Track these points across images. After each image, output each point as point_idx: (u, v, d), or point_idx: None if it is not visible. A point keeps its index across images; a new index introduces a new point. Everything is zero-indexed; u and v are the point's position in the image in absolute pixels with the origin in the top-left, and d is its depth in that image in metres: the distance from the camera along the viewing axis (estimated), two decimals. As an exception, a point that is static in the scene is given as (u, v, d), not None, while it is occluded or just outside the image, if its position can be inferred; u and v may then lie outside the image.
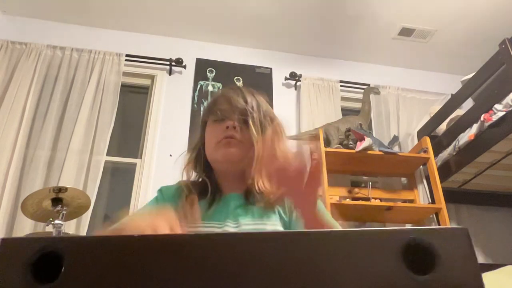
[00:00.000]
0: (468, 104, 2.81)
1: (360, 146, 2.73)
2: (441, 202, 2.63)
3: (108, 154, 2.83)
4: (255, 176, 0.88)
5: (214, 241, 0.36)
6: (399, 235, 0.35)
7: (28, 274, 0.32)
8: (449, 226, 0.36)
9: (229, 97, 0.94)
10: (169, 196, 0.93)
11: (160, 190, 0.96)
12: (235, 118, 0.91)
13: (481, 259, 2.87)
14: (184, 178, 0.97)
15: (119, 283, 0.33)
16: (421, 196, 2.94)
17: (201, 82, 3.26)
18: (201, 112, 3.13)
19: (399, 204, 2.75)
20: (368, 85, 3.40)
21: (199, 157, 0.98)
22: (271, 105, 1.02)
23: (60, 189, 2.03)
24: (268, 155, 0.90)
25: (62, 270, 0.33)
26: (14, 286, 0.32)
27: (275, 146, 0.93)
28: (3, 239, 0.34)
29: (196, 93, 3.20)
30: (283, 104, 3.26)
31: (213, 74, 3.30)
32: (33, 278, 0.32)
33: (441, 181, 2.71)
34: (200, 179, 0.97)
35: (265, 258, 0.34)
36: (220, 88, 3.23)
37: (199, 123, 1.01)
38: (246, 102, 0.93)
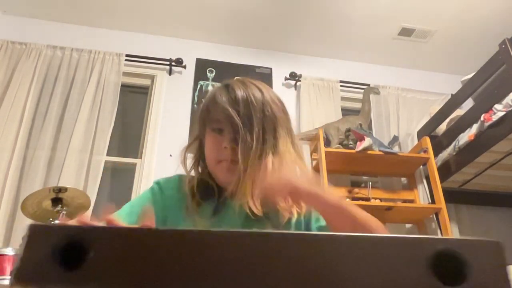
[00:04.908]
0: (468, 104, 2.81)
1: (360, 146, 2.73)
2: (441, 202, 2.63)
3: (108, 154, 2.83)
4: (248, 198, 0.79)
5: (242, 239, 0.35)
6: (429, 244, 0.34)
7: (54, 261, 0.33)
8: (482, 238, 0.34)
9: (223, 106, 0.83)
10: (169, 189, 0.87)
11: (158, 183, 0.89)
12: (231, 137, 0.82)
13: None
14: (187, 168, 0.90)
15: (143, 275, 0.33)
16: (421, 196, 2.94)
17: (201, 82, 3.25)
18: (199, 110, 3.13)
19: (399, 204, 2.75)
20: (368, 85, 3.40)
21: (200, 156, 0.91)
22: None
23: (60, 189, 2.03)
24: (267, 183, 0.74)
25: (87, 259, 0.33)
26: (40, 271, 0.33)
27: (274, 172, 0.77)
28: (31, 225, 0.35)
29: (196, 93, 3.20)
30: (283, 104, 3.25)
31: (213, 74, 3.30)
32: (58, 264, 0.33)
33: (441, 181, 2.71)
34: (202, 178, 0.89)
35: (285, 259, 0.33)
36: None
37: (198, 119, 0.93)
38: (238, 113, 0.81)
